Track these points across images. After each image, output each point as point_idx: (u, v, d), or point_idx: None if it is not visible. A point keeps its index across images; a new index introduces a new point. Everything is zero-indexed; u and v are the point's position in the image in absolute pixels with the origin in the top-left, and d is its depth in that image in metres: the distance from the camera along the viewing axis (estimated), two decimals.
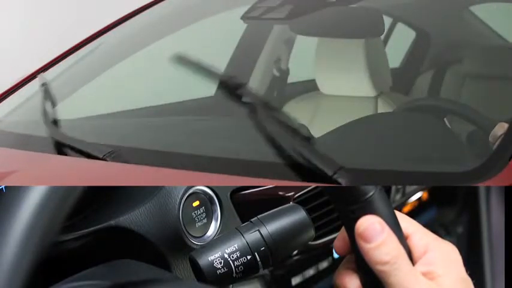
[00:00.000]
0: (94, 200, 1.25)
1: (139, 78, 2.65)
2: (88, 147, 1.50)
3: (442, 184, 1.36)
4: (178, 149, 1.50)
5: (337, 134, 1.54)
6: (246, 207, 1.37)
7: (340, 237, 0.92)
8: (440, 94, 2.39)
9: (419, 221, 0.93)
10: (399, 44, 2.69)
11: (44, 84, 1.80)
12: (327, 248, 1.47)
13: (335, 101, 2.11)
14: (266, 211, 1.23)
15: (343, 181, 1.23)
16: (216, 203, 1.32)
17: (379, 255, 0.85)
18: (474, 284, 0.91)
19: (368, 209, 0.86)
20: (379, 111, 2.04)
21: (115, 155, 1.46)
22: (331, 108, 2.12)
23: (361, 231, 0.86)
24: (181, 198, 1.26)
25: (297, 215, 1.22)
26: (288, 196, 1.39)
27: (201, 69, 1.59)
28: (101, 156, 1.46)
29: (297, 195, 1.40)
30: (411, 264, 0.87)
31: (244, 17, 2.05)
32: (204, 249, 1.15)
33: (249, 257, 1.14)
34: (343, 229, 0.91)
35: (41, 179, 1.45)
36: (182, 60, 1.62)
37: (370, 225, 0.86)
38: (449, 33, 2.71)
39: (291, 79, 2.46)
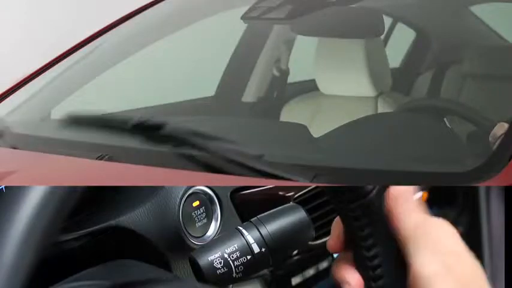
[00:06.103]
0: (94, 200, 1.25)
1: (140, 78, 2.65)
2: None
3: (442, 184, 1.36)
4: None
5: (337, 134, 1.54)
6: (246, 207, 1.37)
7: (333, 236, 0.93)
8: (440, 94, 2.39)
9: None
10: (399, 44, 2.68)
11: None
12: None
13: (335, 101, 2.11)
14: (266, 211, 1.23)
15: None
16: (216, 203, 1.32)
17: (410, 219, 0.86)
18: None
19: (367, 208, 0.86)
20: (379, 111, 2.04)
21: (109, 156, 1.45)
22: (331, 108, 2.12)
23: (395, 195, 0.87)
24: (181, 198, 1.26)
25: (297, 215, 1.22)
26: (288, 196, 1.39)
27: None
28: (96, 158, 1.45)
29: (297, 195, 1.40)
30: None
31: (244, 17, 2.05)
32: (204, 249, 1.15)
33: (249, 257, 1.14)
34: (335, 228, 0.91)
35: (41, 179, 1.45)
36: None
37: (404, 191, 0.89)
38: (449, 33, 2.70)
39: (291, 79, 2.45)
